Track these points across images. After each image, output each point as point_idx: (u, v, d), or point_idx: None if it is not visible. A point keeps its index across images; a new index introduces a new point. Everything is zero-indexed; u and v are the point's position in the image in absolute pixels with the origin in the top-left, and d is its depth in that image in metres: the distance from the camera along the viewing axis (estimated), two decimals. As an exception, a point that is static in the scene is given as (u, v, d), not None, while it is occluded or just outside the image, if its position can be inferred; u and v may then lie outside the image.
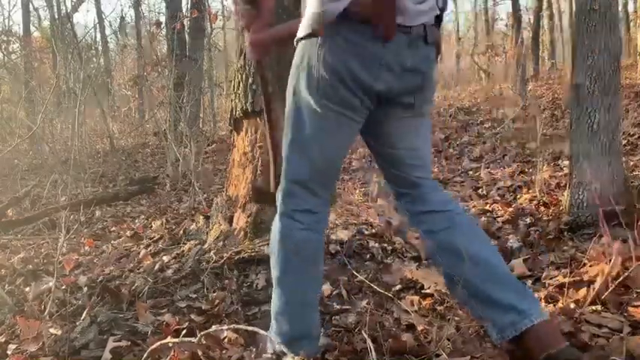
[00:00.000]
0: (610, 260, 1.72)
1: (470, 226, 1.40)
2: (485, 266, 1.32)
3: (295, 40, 1.32)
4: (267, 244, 2.25)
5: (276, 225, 1.39)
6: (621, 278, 1.64)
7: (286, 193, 1.38)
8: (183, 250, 2.62)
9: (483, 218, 2.91)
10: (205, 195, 4.78)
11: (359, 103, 1.28)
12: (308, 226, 1.36)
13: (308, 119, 1.30)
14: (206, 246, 2.52)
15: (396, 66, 1.25)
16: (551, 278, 1.93)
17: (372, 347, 1.29)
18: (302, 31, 1.29)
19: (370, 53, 1.22)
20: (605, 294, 1.62)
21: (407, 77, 1.28)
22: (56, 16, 12.76)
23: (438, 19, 1.32)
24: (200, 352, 1.44)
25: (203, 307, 1.94)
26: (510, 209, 2.93)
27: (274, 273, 1.40)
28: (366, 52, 1.22)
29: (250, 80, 2.43)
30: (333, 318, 1.77)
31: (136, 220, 4.46)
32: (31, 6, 14.55)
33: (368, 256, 2.30)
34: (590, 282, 1.71)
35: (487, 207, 3.18)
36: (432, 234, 1.39)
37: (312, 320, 1.41)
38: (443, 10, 1.33)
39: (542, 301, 1.71)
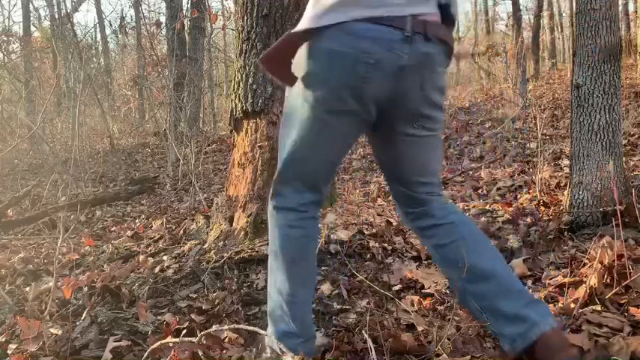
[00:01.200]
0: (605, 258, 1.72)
1: (475, 237, 1.36)
2: (494, 280, 1.30)
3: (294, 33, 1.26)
4: (268, 244, 2.26)
5: (268, 221, 1.41)
6: (626, 282, 1.64)
7: (274, 188, 1.39)
8: (183, 250, 2.62)
9: (483, 218, 2.91)
10: (205, 195, 4.79)
11: (345, 108, 1.21)
12: (291, 223, 1.36)
13: (298, 122, 1.28)
14: (206, 246, 2.52)
15: (389, 65, 1.15)
16: (551, 278, 1.93)
17: (372, 347, 1.29)
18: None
19: (356, 52, 1.14)
20: (608, 295, 1.62)
21: (405, 77, 1.17)
22: (56, 16, 12.76)
23: (447, 17, 1.22)
24: (200, 352, 1.44)
25: (203, 307, 1.94)
26: (510, 209, 2.93)
27: (268, 269, 1.42)
28: (352, 51, 1.14)
29: (250, 80, 2.43)
30: (333, 318, 1.77)
31: (137, 220, 4.46)
32: (31, 6, 14.56)
33: (368, 256, 2.30)
34: (584, 281, 1.71)
35: (487, 207, 3.18)
36: (439, 248, 1.38)
37: (302, 320, 1.40)
38: (447, 5, 1.22)
39: (543, 300, 1.71)
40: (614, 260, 1.68)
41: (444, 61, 1.23)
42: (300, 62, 1.24)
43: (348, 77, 1.16)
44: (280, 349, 1.35)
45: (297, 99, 1.27)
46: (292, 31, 1.22)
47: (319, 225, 1.47)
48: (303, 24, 1.21)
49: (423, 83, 1.20)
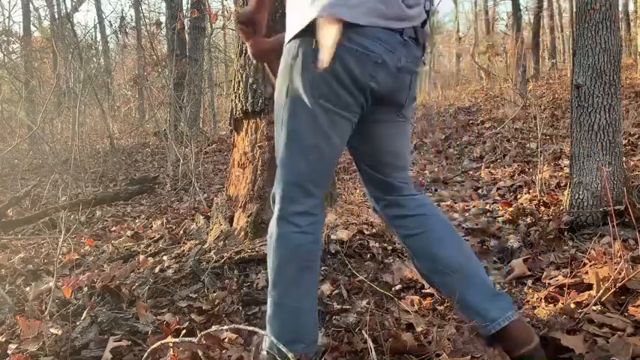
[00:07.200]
0: (610, 260, 1.72)
1: (443, 230, 1.43)
2: (458, 274, 1.39)
3: (287, 38, 1.30)
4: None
5: (272, 228, 1.37)
6: (624, 281, 1.64)
7: (282, 196, 1.35)
8: (183, 250, 2.62)
9: (483, 218, 2.91)
10: (205, 195, 4.79)
11: (353, 101, 1.27)
12: (304, 229, 1.34)
13: (303, 119, 1.28)
14: (206, 246, 2.52)
15: (392, 65, 1.27)
16: (551, 278, 1.93)
17: (372, 347, 1.29)
18: (295, 28, 1.26)
19: (366, 50, 1.22)
20: (607, 295, 1.62)
21: (400, 76, 1.30)
22: (56, 16, 12.76)
23: (424, 21, 1.34)
24: (200, 352, 1.44)
25: (203, 307, 1.94)
26: (510, 209, 2.93)
27: (269, 276, 1.39)
28: (362, 50, 1.21)
29: (250, 80, 2.43)
30: (333, 318, 1.77)
31: (137, 220, 4.46)
32: (31, 6, 14.55)
33: (368, 256, 2.30)
34: (589, 286, 1.71)
35: (487, 207, 3.18)
36: (408, 238, 1.45)
37: (306, 326, 1.39)
38: (429, 12, 1.35)
39: (542, 301, 1.71)
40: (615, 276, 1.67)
41: (421, 62, 1.38)
42: (306, 53, 1.23)
43: (360, 74, 1.23)
44: (279, 350, 1.34)
45: (300, 96, 1.27)
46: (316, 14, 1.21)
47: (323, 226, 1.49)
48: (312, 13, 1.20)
49: (411, 81, 1.35)
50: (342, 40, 1.19)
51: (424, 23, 1.34)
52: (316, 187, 1.36)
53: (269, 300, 1.40)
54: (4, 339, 1.79)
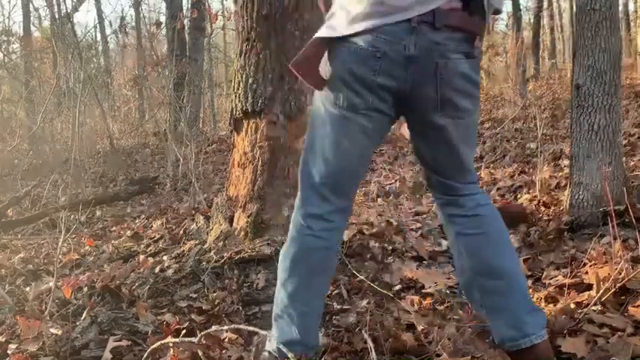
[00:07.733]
0: (610, 260, 1.72)
1: (498, 234, 1.38)
2: (505, 280, 1.34)
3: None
4: (268, 244, 2.26)
5: (290, 227, 1.40)
6: (624, 281, 1.64)
7: (301, 197, 1.38)
8: (183, 250, 2.62)
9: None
10: (205, 195, 4.78)
11: (361, 102, 1.25)
12: (317, 233, 1.34)
13: (319, 125, 1.33)
14: (206, 246, 2.52)
15: (397, 55, 1.19)
16: (551, 278, 1.93)
17: (372, 347, 1.29)
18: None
19: (364, 47, 1.20)
20: (607, 296, 1.62)
21: (415, 67, 1.20)
22: (56, 16, 12.76)
23: (470, 4, 1.20)
24: (200, 352, 1.44)
25: (203, 307, 1.94)
26: (510, 209, 2.93)
27: (279, 275, 1.40)
28: (360, 47, 1.21)
29: (250, 80, 2.43)
30: (333, 318, 1.77)
31: (137, 220, 4.46)
32: (31, 6, 14.56)
33: (368, 256, 2.30)
34: (589, 286, 1.71)
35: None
36: (461, 236, 1.40)
37: (310, 329, 1.40)
38: None
39: (542, 301, 1.71)
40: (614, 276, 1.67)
41: (461, 48, 1.21)
42: (324, 66, 1.28)
43: (362, 71, 1.22)
44: (279, 349, 1.35)
45: (318, 102, 1.32)
46: (317, 35, 1.28)
47: (342, 235, 1.47)
48: (329, 32, 1.26)
49: (438, 71, 1.20)
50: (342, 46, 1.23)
51: (467, 3, 1.19)
52: (333, 194, 1.35)
53: (277, 299, 1.40)
54: (4, 339, 1.79)
